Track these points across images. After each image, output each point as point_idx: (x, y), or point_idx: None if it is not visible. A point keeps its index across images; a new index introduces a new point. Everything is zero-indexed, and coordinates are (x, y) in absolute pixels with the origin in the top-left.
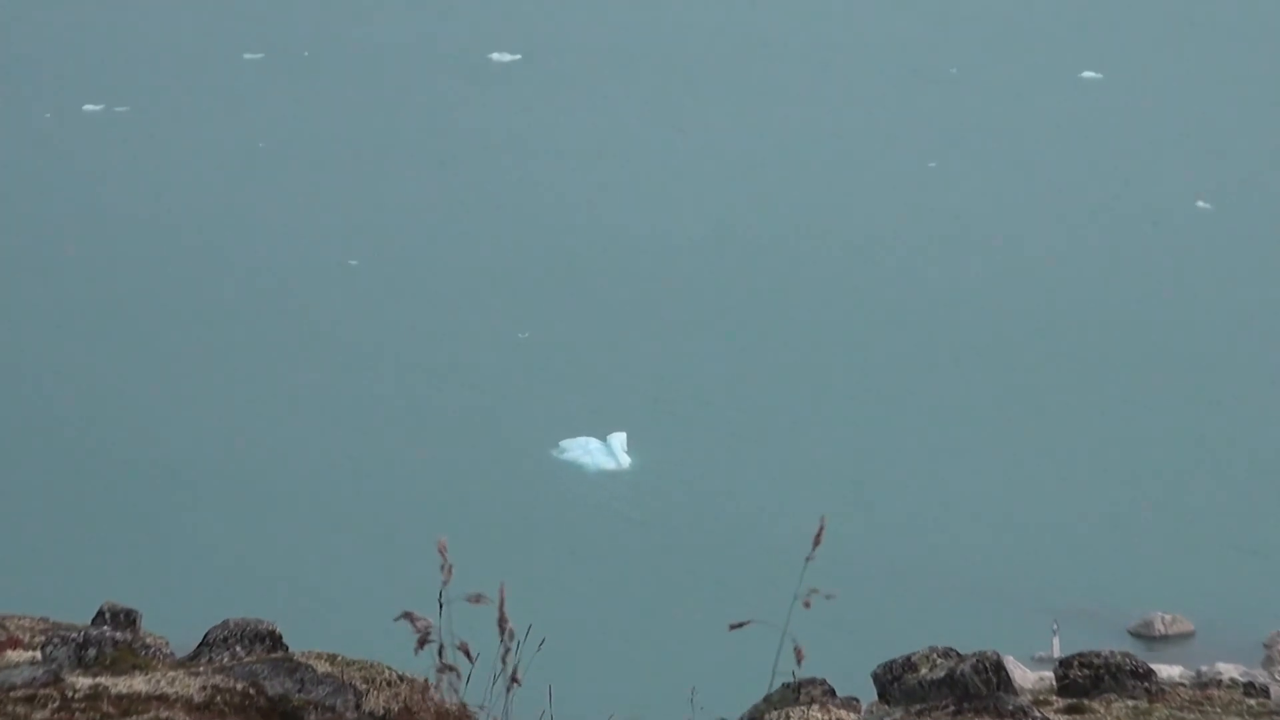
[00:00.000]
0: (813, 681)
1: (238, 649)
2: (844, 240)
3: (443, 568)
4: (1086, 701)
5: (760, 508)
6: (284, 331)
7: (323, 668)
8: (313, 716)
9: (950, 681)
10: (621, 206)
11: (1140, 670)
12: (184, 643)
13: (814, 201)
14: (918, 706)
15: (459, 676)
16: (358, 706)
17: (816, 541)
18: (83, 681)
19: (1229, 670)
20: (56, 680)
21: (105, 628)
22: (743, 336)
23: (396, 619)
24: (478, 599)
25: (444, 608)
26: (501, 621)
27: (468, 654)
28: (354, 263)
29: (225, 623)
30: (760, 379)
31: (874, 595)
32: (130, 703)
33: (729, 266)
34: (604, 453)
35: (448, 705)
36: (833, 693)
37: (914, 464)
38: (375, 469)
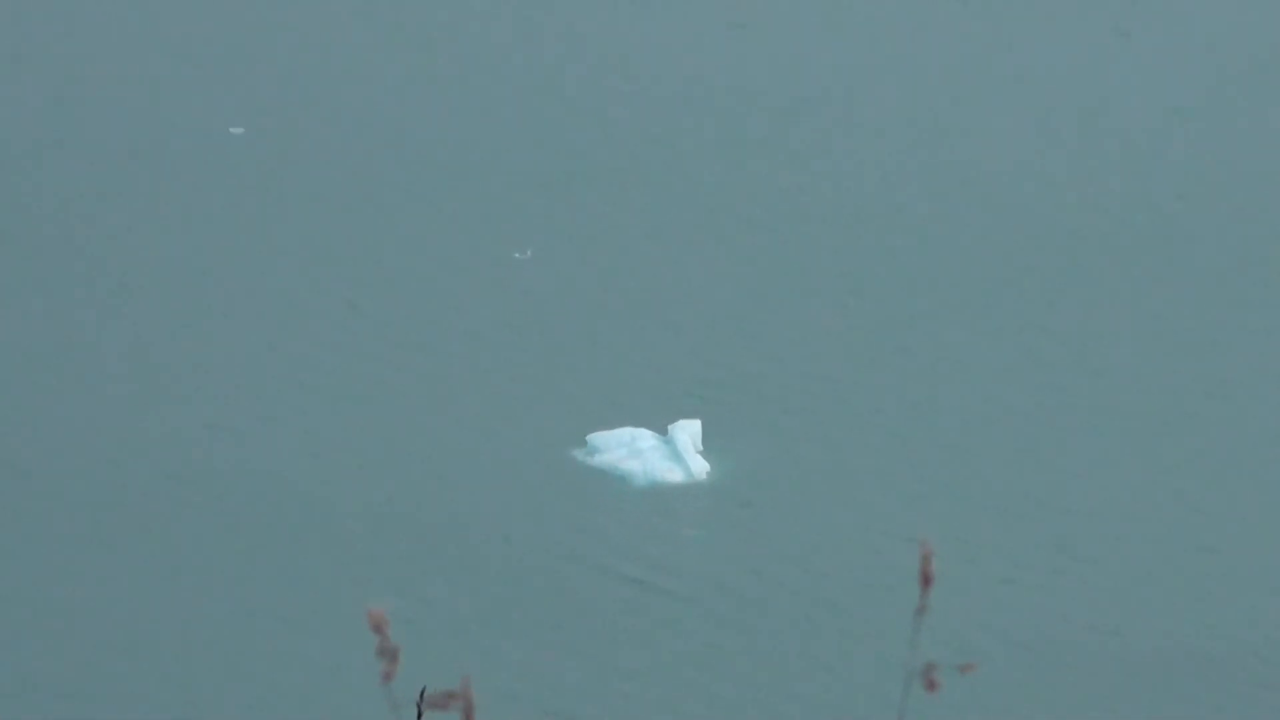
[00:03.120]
0: None
1: None
2: (1007, 128)
3: (382, 655)
4: None
5: (906, 540)
6: (126, 237)
7: None
8: None
9: None
10: (672, 53)
11: None
12: None
13: (962, 66)
14: None
15: None
16: None
17: (925, 581)
18: None
19: None
20: None
21: None
22: (879, 267)
23: None
24: (446, 703)
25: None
26: None
27: None
28: (238, 130)
29: None
30: (916, 337)
31: (1084, 686)
32: None
33: (849, 156)
34: (663, 453)
35: None
36: None
37: (1131, 472)
38: (272, 477)
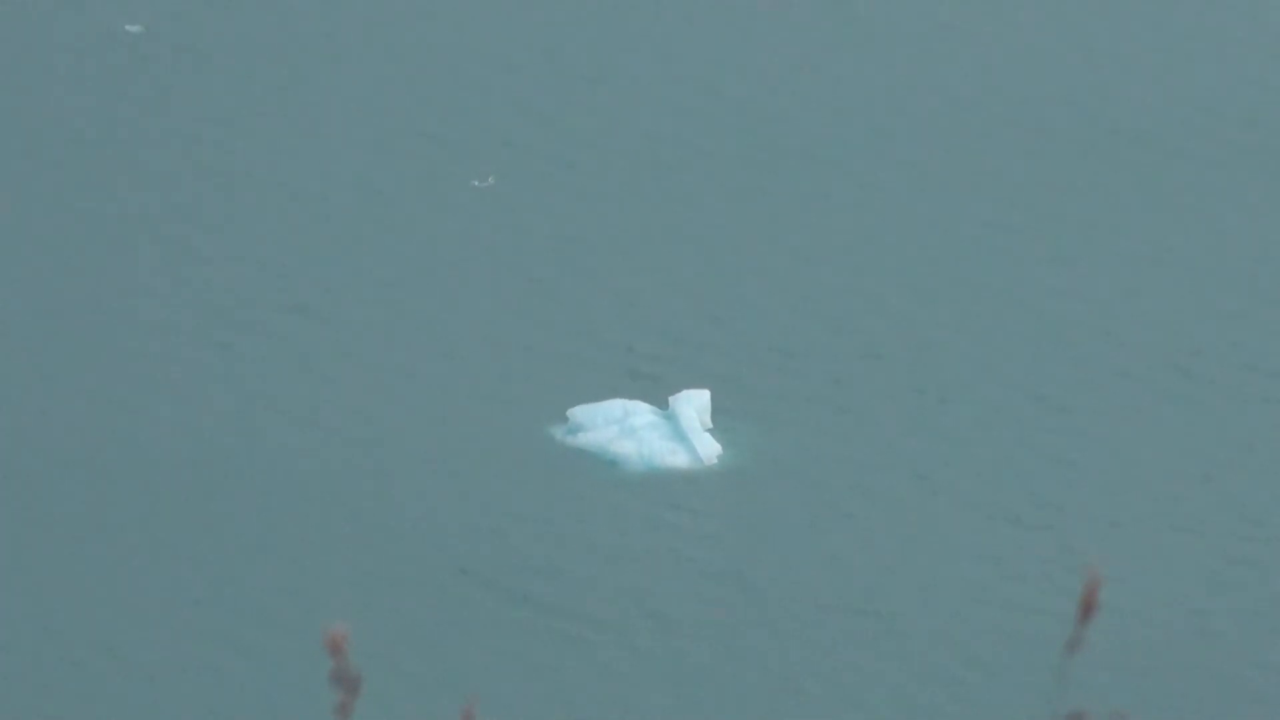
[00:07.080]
0: None
1: None
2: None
3: (337, 682)
4: None
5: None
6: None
7: None
8: None
9: None
10: None
11: None
12: None
13: None
14: None
15: None
16: None
17: (1086, 610)
18: None
19: None
20: None
21: None
22: (918, 194)
23: None
24: None
25: None
26: None
27: None
28: (135, 28)
29: None
30: (966, 287)
31: None
32: None
33: (893, 83)
34: (664, 432)
35: None
36: None
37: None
38: (195, 467)
